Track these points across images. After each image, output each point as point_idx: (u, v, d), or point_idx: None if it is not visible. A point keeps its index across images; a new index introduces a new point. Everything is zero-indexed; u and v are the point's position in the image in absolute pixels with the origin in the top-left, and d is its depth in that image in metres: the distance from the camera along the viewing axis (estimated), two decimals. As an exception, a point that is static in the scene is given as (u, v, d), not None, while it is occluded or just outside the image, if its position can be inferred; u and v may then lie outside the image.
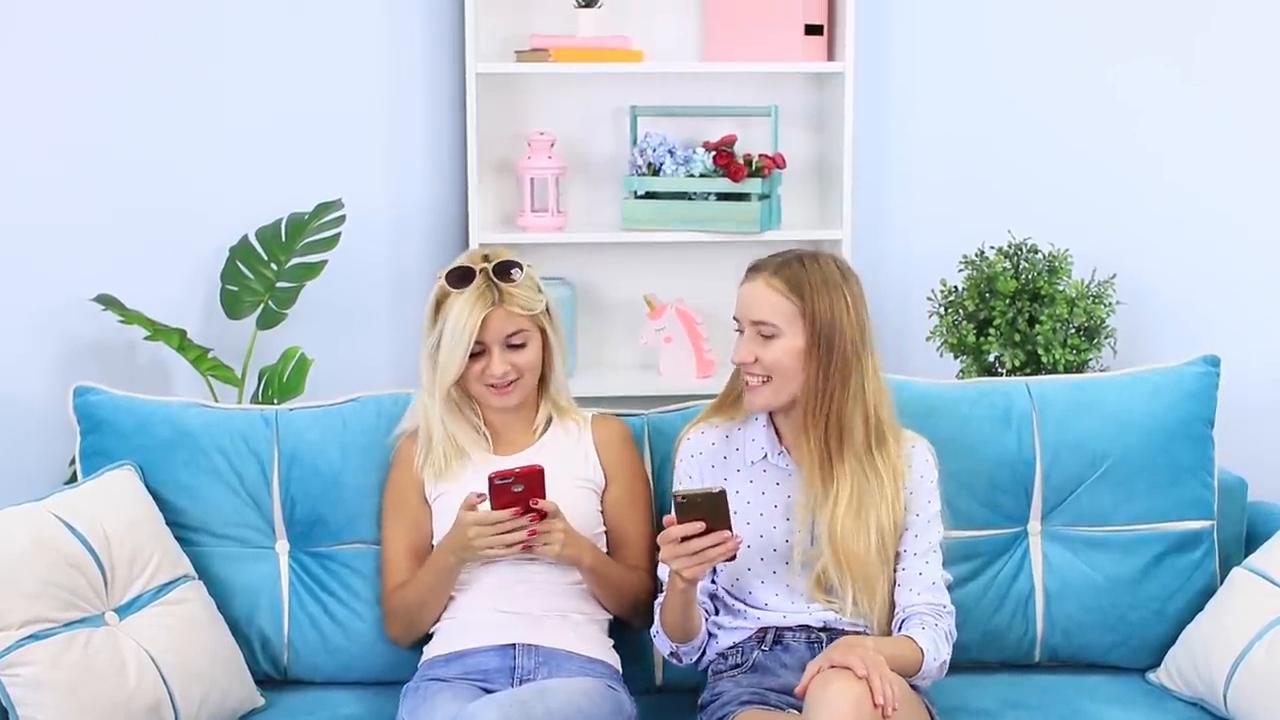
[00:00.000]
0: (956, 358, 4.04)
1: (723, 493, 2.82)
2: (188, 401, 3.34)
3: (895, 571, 3.04)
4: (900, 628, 3.02)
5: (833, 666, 2.75)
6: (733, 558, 2.85)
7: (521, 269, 3.16)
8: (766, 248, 4.03)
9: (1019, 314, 3.98)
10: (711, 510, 2.82)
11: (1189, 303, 4.23)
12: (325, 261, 4.00)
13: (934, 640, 2.96)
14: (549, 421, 3.26)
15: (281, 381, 3.93)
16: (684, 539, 2.82)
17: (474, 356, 3.14)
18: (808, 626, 3.04)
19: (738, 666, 3.05)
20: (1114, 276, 4.06)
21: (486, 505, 3.00)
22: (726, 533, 2.83)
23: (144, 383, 4.07)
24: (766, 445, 3.10)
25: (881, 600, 3.02)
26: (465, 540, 3.01)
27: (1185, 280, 4.24)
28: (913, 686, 2.94)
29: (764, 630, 3.05)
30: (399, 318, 4.17)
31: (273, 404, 3.80)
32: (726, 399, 3.17)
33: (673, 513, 2.82)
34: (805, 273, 3.01)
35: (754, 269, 3.06)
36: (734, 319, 3.06)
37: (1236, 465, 3.53)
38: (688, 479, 3.12)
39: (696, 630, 3.03)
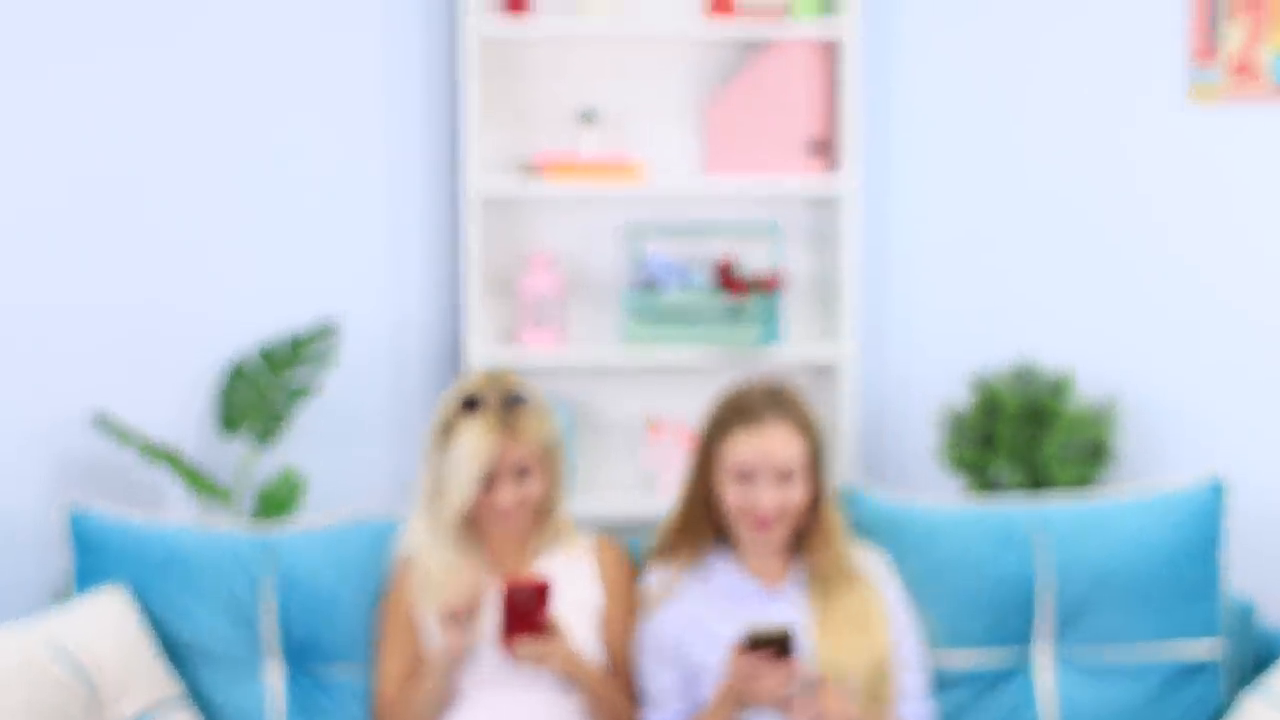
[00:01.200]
0: (960, 474, 4.01)
1: (791, 629, 2.93)
2: (183, 523, 3.32)
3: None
4: None
5: None
6: None
7: (532, 399, 3.15)
8: (768, 364, 4.05)
9: (1022, 432, 3.96)
10: (782, 646, 2.94)
11: (1198, 416, 4.20)
12: (322, 382, 3.99)
13: None
14: (547, 543, 3.24)
15: (277, 501, 3.92)
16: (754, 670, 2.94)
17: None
18: None
19: None
20: (1115, 398, 4.04)
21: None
22: (795, 662, 2.94)
23: (137, 490, 4.04)
24: (735, 576, 3.16)
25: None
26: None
27: (1194, 392, 4.21)
28: None
29: None
30: (397, 433, 4.15)
31: (269, 523, 3.78)
32: (678, 547, 3.20)
33: (743, 645, 2.94)
34: (799, 406, 3.13)
35: (747, 413, 3.11)
36: (735, 469, 3.10)
37: (1250, 587, 3.51)
38: (654, 604, 3.17)
39: None
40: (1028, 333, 4.17)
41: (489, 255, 4.09)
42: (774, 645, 2.93)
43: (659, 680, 3.12)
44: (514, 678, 3.11)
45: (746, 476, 3.08)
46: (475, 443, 3.09)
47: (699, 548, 3.18)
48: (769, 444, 3.07)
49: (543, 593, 3.01)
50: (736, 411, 3.11)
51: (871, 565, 3.20)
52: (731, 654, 2.96)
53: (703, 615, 3.12)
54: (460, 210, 4.07)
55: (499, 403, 3.12)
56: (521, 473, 3.13)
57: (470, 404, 3.12)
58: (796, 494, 3.09)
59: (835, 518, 3.16)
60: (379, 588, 3.25)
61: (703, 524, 3.17)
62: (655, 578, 3.19)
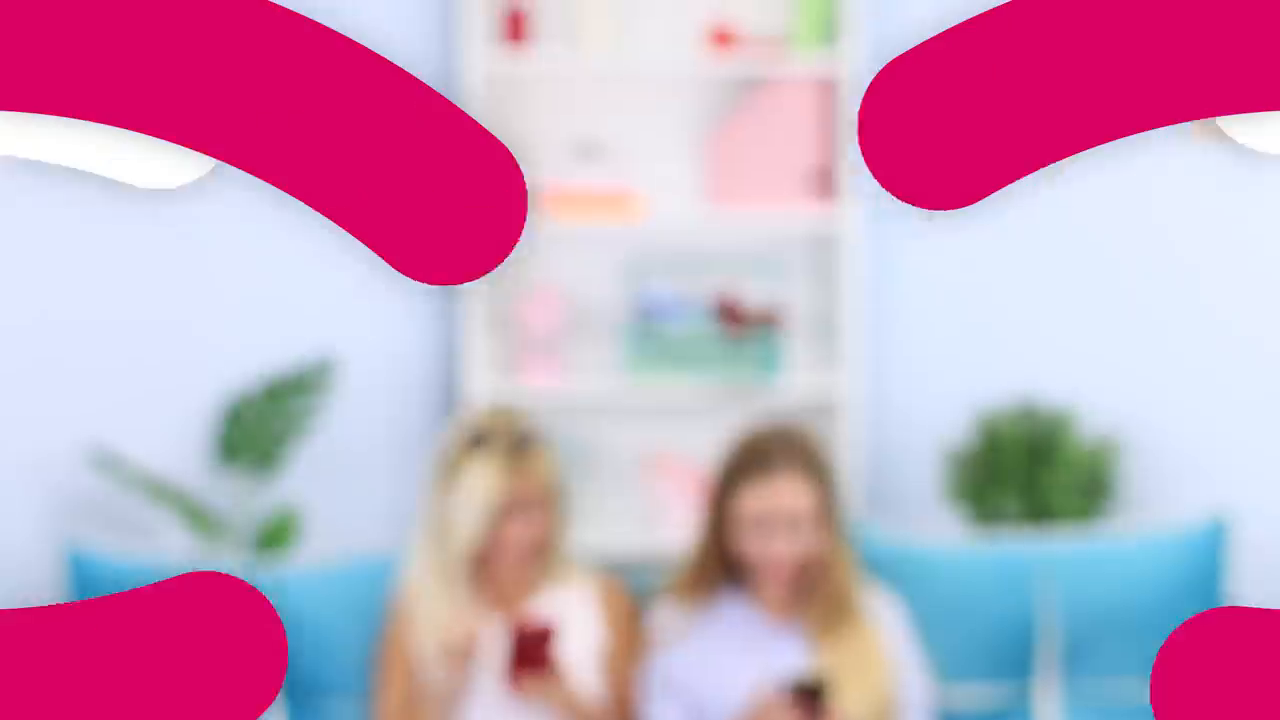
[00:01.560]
0: (962, 510, 4.00)
1: (828, 680, 2.93)
2: (183, 559, 3.31)
3: None
4: None
5: None
6: None
7: (540, 436, 3.14)
8: (768, 399, 4.03)
9: (1025, 469, 3.95)
10: (820, 695, 2.93)
11: (1201, 450, 4.19)
12: (321, 415, 3.99)
13: None
14: (550, 580, 3.23)
15: (276, 536, 3.91)
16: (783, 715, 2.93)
17: None
18: None
19: None
20: (1118, 433, 4.04)
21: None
22: (825, 714, 2.92)
23: (133, 522, 4.03)
24: (746, 615, 3.15)
25: None
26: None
27: (1197, 426, 4.20)
28: None
29: None
30: (396, 467, 4.13)
31: (267, 557, 3.77)
32: (692, 584, 3.20)
33: (782, 688, 2.94)
34: (812, 452, 3.13)
35: (759, 463, 3.10)
36: (748, 519, 3.08)
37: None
38: (664, 641, 3.16)
39: None
40: (1030, 367, 4.16)
41: (488, 288, 4.09)
42: (808, 694, 2.92)
43: (664, 718, 3.11)
44: (516, 715, 3.10)
45: (760, 526, 3.07)
46: (484, 481, 3.07)
47: (711, 587, 3.17)
48: (780, 496, 3.06)
49: (549, 635, 3.04)
50: (748, 461, 3.10)
51: (881, 609, 3.19)
52: (761, 694, 2.94)
53: (712, 653, 3.12)
54: (460, 244, 4.06)
55: (507, 440, 3.11)
56: (528, 510, 3.12)
57: (477, 441, 3.11)
58: (810, 541, 3.08)
59: (846, 561, 3.14)
60: (378, 624, 3.24)
61: (715, 566, 3.17)
62: (666, 616, 3.18)
